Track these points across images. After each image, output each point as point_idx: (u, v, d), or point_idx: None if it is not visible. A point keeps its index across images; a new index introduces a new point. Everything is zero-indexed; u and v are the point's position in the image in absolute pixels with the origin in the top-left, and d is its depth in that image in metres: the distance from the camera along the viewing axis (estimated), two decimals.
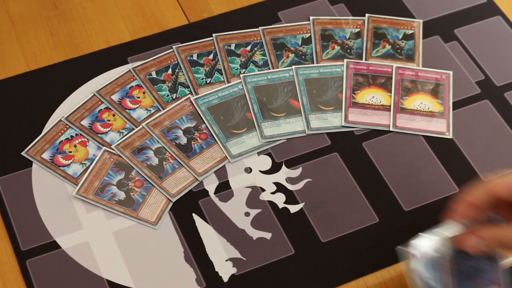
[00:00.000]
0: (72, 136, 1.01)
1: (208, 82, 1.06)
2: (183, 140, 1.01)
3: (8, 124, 1.02)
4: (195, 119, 1.03)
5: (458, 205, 0.78)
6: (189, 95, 1.05)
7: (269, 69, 1.08)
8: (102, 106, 1.04)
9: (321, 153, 1.01)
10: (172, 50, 1.09)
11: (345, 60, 1.09)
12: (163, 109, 1.03)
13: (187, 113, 1.03)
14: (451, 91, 1.07)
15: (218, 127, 1.02)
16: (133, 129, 1.01)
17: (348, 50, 1.11)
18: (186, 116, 1.03)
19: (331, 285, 0.91)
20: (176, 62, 1.08)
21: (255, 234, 0.94)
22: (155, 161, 0.99)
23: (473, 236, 0.77)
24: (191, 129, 1.02)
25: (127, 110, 1.03)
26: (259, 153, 1.01)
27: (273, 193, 0.98)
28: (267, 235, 0.94)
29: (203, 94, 1.05)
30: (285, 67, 1.08)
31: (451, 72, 1.09)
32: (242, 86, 1.06)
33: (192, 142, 1.01)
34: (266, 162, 1.00)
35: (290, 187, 0.98)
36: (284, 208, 0.96)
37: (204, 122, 1.02)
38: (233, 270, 0.91)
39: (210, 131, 1.02)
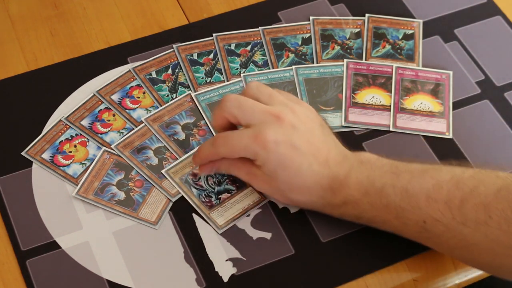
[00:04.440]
0: (72, 136, 1.01)
1: (208, 81, 1.06)
2: (181, 136, 1.01)
3: (8, 124, 1.02)
4: (195, 115, 1.03)
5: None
6: (190, 92, 1.05)
7: (269, 69, 1.08)
8: (102, 106, 1.04)
9: None
10: (172, 50, 1.09)
11: (345, 60, 1.09)
12: None
13: (186, 109, 1.03)
14: (451, 91, 1.07)
15: None
16: (133, 129, 1.01)
17: (348, 50, 1.11)
18: (185, 112, 1.03)
19: (331, 285, 0.91)
20: (176, 62, 1.08)
21: (255, 234, 0.94)
22: (155, 161, 0.99)
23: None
24: (189, 125, 1.02)
25: (127, 110, 1.03)
26: None
27: None
28: (267, 235, 0.94)
29: (204, 90, 1.05)
30: (285, 67, 1.08)
31: (451, 72, 1.09)
32: (243, 85, 1.06)
33: (190, 138, 1.01)
34: None
35: None
36: (284, 208, 0.96)
37: (204, 119, 1.02)
38: (233, 270, 0.91)
39: (209, 128, 1.02)
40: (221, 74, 1.07)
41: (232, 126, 0.92)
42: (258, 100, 0.91)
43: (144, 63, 1.08)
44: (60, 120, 1.02)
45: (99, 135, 1.01)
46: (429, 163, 0.89)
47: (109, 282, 0.90)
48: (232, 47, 1.10)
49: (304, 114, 0.91)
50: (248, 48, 1.10)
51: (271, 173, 0.89)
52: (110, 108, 1.03)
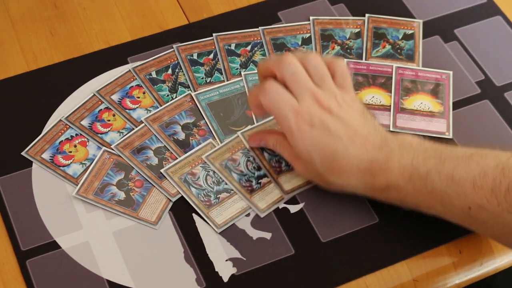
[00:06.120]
0: (72, 136, 1.01)
1: (208, 81, 1.06)
2: (181, 136, 1.01)
3: (8, 124, 1.02)
4: (194, 115, 1.03)
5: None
6: (190, 92, 1.05)
7: None
8: (102, 106, 1.04)
9: None
10: (172, 50, 1.09)
11: (345, 60, 1.09)
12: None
13: (186, 109, 1.03)
14: (451, 91, 1.07)
15: (218, 124, 1.02)
16: (133, 129, 1.01)
17: (348, 50, 1.11)
18: (185, 112, 1.03)
19: (331, 285, 0.91)
20: (176, 62, 1.08)
21: (255, 234, 0.94)
22: (155, 161, 0.99)
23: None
24: (189, 125, 1.02)
25: (127, 110, 1.03)
26: None
27: None
28: (267, 235, 0.94)
29: (204, 90, 1.05)
30: None
31: (451, 72, 1.09)
32: (244, 84, 1.06)
33: (190, 138, 1.01)
34: None
35: None
36: (284, 208, 0.96)
37: (204, 118, 1.02)
38: (233, 270, 0.91)
39: (209, 127, 1.02)
40: (221, 74, 1.07)
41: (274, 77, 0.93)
42: (310, 77, 0.92)
43: (144, 63, 1.08)
44: (60, 120, 1.02)
45: (99, 135, 1.01)
46: (473, 148, 0.89)
47: (109, 282, 0.90)
48: (232, 47, 1.10)
49: (346, 102, 0.92)
50: (248, 48, 1.10)
51: (305, 156, 0.90)
52: (110, 108, 1.03)
